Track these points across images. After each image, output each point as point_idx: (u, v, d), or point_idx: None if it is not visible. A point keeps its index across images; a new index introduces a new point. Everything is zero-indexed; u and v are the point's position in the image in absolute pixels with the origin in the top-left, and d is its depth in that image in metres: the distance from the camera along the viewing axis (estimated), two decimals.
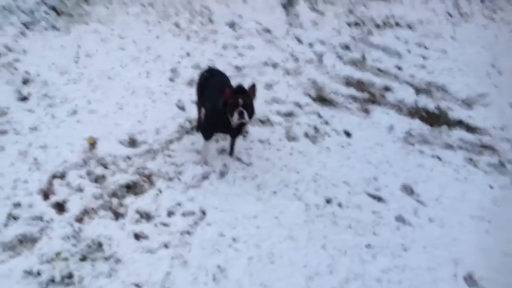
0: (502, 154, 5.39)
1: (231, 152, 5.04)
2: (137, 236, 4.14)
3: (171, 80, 6.24)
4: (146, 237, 4.13)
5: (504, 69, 6.85)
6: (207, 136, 4.79)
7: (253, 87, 4.43)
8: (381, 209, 4.58)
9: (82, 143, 5.04)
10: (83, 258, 3.88)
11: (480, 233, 4.48)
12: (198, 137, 5.15)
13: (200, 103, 5.09)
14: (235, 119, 4.30)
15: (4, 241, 3.99)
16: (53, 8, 7.60)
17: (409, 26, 7.85)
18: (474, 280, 4.05)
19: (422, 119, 5.81)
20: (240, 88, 4.46)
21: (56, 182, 4.60)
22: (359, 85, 6.40)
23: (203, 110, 5.03)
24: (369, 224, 4.41)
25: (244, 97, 4.32)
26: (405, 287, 3.94)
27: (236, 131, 4.71)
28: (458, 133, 5.56)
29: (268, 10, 8.19)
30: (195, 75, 6.23)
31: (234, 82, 6.04)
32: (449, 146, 5.39)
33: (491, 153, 5.41)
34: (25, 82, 5.88)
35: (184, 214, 4.38)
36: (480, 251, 4.29)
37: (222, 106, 4.41)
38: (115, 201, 4.46)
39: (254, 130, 5.41)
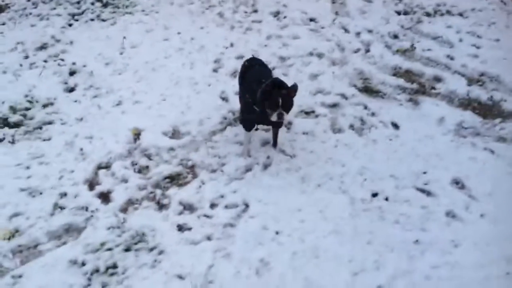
0: None
1: (274, 144, 4.96)
2: (180, 228, 4.13)
3: (215, 71, 6.21)
4: (189, 229, 4.12)
5: None
6: (248, 128, 4.72)
7: (294, 88, 4.31)
8: (431, 204, 4.39)
9: (127, 134, 5.09)
10: (127, 249, 3.90)
11: None
12: (241, 129, 5.09)
13: (242, 93, 5.04)
14: (273, 118, 4.25)
15: (50, 230, 4.07)
16: None
17: (461, 14, 7.52)
18: None
19: (474, 110, 5.54)
20: (278, 83, 4.37)
21: (101, 173, 4.66)
22: (408, 75, 6.18)
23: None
24: (417, 220, 4.23)
25: (284, 97, 4.22)
26: (456, 284, 3.75)
27: (277, 123, 4.62)
28: None
29: None
30: (239, 66, 6.16)
31: (279, 73, 5.99)
32: (502, 139, 5.12)
33: None
34: (72, 73, 6.00)
35: (227, 206, 4.34)
36: None
37: (260, 102, 4.33)
38: (158, 192, 4.47)
39: (298, 121, 5.31)
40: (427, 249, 3.98)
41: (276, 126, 4.74)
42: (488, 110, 5.56)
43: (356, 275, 3.78)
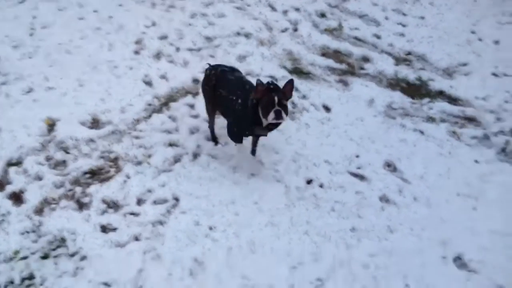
0: (486, 126, 5.15)
1: (253, 152, 4.55)
2: (104, 229, 3.80)
3: (136, 52, 5.80)
4: (114, 230, 3.79)
5: (484, 36, 6.57)
6: (239, 139, 4.25)
7: (291, 83, 3.90)
8: (365, 189, 4.32)
9: (39, 125, 4.64)
10: (45, 256, 3.53)
11: (468, 211, 4.26)
12: (167, 117, 4.81)
13: (214, 107, 4.47)
14: (270, 118, 3.78)
15: None
16: None
17: None
18: (463, 262, 3.84)
19: (402, 91, 5.54)
20: (272, 84, 3.89)
21: (12, 170, 4.21)
22: (337, 55, 6.08)
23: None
24: (353, 206, 4.15)
25: (280, 94, 3.80)
26: (393, 272, 3.70)
27: (268, 131, 4.16)
28: (440, 105, 5.31)
29: None
30: (162, 47, 5.81)
31: (205, 54, 5.72)
32: (431, 119, 5.15)
33: (475, 125, 5.18)
34: None
35: (155, 202, 4.05)
36: (468, 230, 4.08)
37: (252, 106, 3.90)
38: (78, 189, 4.10)
39: None
40: (363, 236, 3.91)
41: (266, 134, 4.26)
42: (416, 90, 5.58)
43: (295, 268, 3.64)
